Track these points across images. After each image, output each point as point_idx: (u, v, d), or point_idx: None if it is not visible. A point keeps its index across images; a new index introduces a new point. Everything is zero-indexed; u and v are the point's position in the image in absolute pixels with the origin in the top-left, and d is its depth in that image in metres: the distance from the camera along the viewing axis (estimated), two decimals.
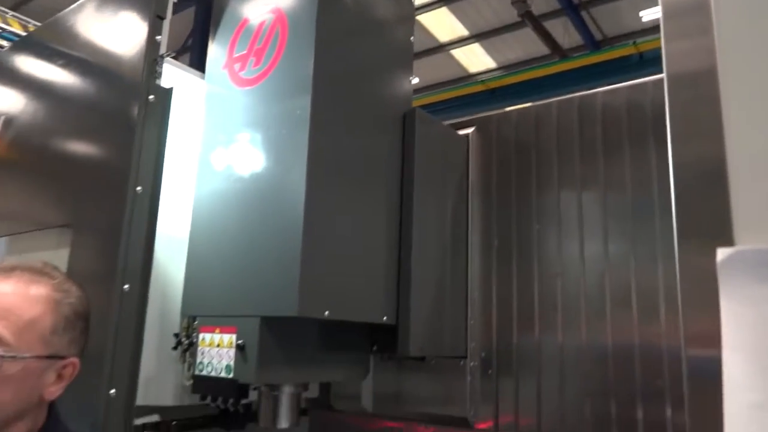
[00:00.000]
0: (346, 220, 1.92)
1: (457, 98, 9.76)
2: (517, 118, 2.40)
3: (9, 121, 2.31)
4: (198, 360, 1.89)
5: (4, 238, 2.28)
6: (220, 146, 2.07)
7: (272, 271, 1.76)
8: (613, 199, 2.12)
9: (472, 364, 2.27)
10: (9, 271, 1.10)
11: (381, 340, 2.14)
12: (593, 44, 11.07)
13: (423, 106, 2.56)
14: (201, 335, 1.90)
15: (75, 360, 1.13)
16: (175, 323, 2.04)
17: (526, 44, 11.66)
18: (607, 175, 2.15)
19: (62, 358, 1.10)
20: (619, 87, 2.21)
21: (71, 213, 1.95)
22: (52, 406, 1.15)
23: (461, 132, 2.49)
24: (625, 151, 2.12)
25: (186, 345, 1.98)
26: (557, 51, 10.96)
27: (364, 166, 2.03)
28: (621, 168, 2.12)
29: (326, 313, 1.78)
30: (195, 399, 2.00)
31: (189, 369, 1.96)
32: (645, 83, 2.14)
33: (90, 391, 1.50)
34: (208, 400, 1.95)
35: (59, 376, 1.11)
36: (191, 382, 1.92)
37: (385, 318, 2.01)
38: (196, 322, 1.96)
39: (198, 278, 1.98)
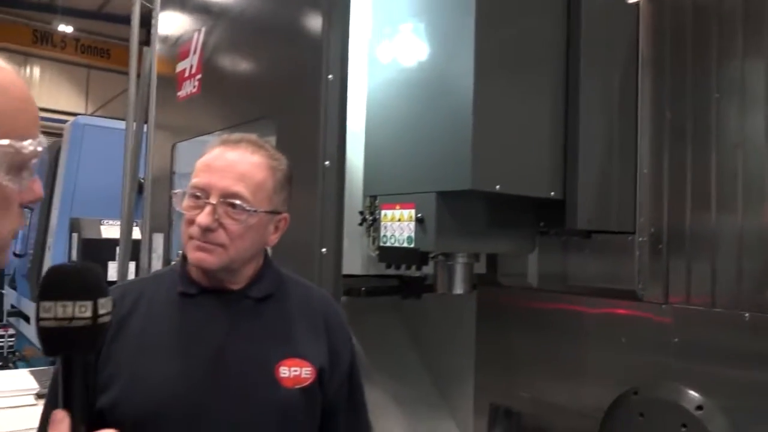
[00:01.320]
0: (513, 98, 1.99)
1: None
2: None
3: (209, 32, 2.64)
4: (382, 233, 2.14)
5: (218, 132, 2.68)
6: (387, 39, 2.19)
7: (446, 150, 1.91)
8: None
9: (640, 239, 2.26)
10: (237, 142, 1.37)
11: (548, 217, 2.23)
12: None
13: None
14: (383, 212, 2.14)
15: (287, 215, 1.42)
16: (359, 203, 2.28)
17: None
18: None
19: (279, 213, 1.39)
20: None
21: (273, 105, 2.25)
22: (265, 252, 1.46)
23: (630, 0, 2.36)
24: None
25: (370, 221, 2.23)
26: None
27: (529, 44, 2.05)
28: None
29: (497, 187, 1.91)
30: (380, 269, 2.28)
31: (374, 242, 2.22)
32: None
33: (307, 248, 1.83)
34: (393, 268, 2.22)
35: (276, 228, 1.41)
36: (377, 252, 2.19)
37: (552, 193, 2.09)
38: (377, 201, 2.19)
39: (377, 161, 2.19)
